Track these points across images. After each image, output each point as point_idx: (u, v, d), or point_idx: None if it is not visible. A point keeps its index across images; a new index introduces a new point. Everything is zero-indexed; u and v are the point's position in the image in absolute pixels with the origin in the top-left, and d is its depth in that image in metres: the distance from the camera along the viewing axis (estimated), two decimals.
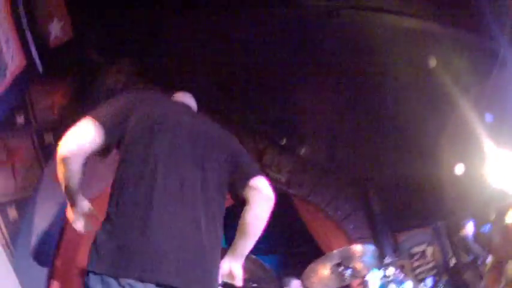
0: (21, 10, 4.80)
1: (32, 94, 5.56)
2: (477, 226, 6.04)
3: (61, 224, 5.16)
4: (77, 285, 5.20)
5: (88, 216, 3.33)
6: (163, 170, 2.91)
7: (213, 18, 5.72)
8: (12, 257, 4.75)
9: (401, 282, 4.97)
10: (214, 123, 3.44)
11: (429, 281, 5.51)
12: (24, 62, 4.99)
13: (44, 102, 5.65)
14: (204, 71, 6.28)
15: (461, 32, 5.36)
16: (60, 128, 5.44)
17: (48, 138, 5.54)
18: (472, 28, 5.25)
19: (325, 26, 5.66)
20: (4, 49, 4.69)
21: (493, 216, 4.96)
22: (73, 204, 3.27)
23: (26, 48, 4.97)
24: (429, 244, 7.11)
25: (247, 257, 3.33)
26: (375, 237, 7.29)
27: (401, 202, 7.37)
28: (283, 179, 7.17)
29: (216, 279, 2.97)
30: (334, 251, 5.10)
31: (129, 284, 2.64)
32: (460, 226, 6.18)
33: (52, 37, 5.31)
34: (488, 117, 5.52)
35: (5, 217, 4.95)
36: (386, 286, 4.97)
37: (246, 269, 3.80)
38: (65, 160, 3.01)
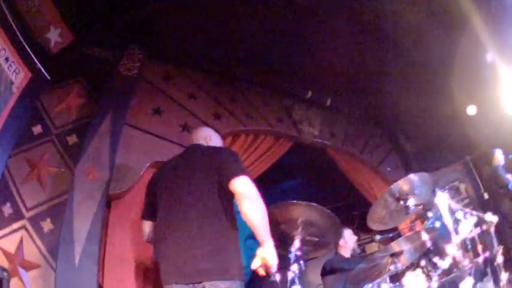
0: (14, 25, 4.91)
1: (44, 102, 5.70)
2: (506, 154, 5.88)
3: (102, 225, 5.20)
4: None
5: None
6: (164, 199, 3.99)
7: None
8: (53, 271, 4.83)
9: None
10: (210, 148, 4.26)
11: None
12: (29, 74, 5.15)
13: (59, 107, 5.78)
14: (223, 37, 6.36)
15: None
16: (81, 127, 5.69)
17: (72, 139, 5.67)
18: None
19: None
20: (5, 67, 4.83)
21: None
22: None
23: (27, 61, 5.12)
24: (461, 181, 6.95)
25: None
26: None
27: (430, 141, 7.19)
28: (316, 132, 7.25)
29: (230, 261, 3.60)
30: (392, 185, 4.87)
31: None
32: (489, 157, 6.02)
33: (52, 44, 5.43)
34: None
35: (39, 231, 5.05)
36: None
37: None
38: None
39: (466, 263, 4.44)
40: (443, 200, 4.53)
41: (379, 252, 4.96)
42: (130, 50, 6.25)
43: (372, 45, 6.33)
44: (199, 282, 3.50)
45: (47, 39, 5.37)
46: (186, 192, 3.81)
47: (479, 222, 4.52)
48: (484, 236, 4.64)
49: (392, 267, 4.80)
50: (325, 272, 6.12)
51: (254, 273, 3.60)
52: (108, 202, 5.45)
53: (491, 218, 4.44)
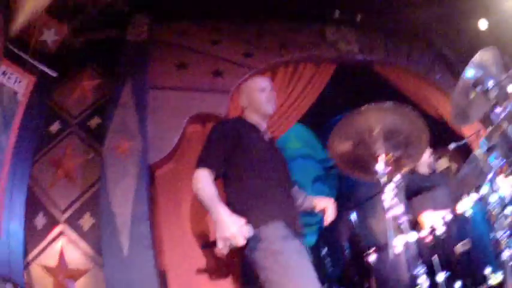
0: (8, 43, 4.84)
1: (56, 98, 5.36)
2: None
3: (147, 201, 4.57)
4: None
5: None
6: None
7: None
8: (100, 268, 4.30)
9: None
10: None
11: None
12: (33, 79, 5.01)
13: (73, 95, 5.42)
14: None
15: None
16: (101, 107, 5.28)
17: (94, 122, 5.25)
18: None
19: None
20: (4, 81, 4.72)
21: None
22: None
23: (27, 67, 5.01)
24: None
25: None
26: None
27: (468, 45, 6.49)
28: (355, 49, 6.78)
29: None
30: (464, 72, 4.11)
31: None
32: None
33: (49, 44, 5.24)
34: None
35: (80, 231, 4.55)
36: None
37: None
38: None
39: None
40: None
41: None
42: (136, 19, 5.93)
43: None
44: None
45: (43, 42, 5.23)
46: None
47: None
48: None
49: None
50: (412, 194, 5.33)
51: None
52: (151, 174, 4.91)
53: None
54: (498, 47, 4.33)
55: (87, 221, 4.55)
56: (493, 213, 3.74)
